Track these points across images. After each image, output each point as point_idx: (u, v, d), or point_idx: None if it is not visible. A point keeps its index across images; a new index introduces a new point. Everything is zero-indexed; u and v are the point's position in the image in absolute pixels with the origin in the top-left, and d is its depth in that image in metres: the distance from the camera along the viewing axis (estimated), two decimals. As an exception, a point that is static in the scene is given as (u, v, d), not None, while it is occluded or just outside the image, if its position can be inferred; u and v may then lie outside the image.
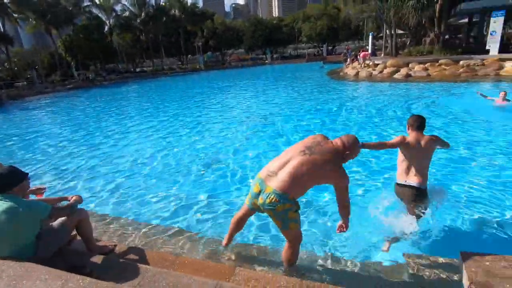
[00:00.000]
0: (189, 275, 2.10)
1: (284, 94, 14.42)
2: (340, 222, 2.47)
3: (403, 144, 2.73)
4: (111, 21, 38.50)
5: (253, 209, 2.40)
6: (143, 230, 3.44)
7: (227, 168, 5.30)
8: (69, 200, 2.61)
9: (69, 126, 10.70)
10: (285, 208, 2.11)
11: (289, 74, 25.12)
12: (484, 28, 18.70)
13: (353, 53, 24.51)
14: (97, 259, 2.35)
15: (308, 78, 21.38)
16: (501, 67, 13.83)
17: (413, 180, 2.69)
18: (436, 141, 2.77)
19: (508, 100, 7.57)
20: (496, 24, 15.43)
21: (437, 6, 17.63)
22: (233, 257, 2.77)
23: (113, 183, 5.01)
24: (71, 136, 8.93)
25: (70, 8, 32.66)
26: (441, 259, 2.55)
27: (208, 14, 48.52)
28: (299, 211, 2.26)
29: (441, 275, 2.39)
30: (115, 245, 2.83)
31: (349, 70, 20.45)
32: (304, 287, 2.10)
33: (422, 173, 2.70)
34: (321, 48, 49.60)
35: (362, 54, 20.03)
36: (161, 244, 3.14)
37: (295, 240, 2.34)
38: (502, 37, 15.99)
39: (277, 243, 2.98)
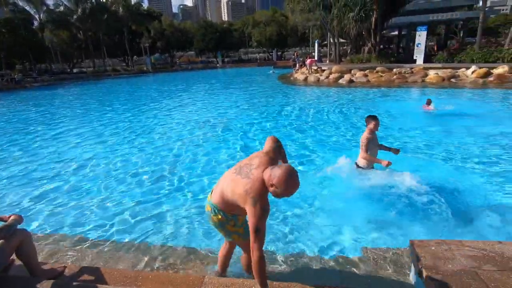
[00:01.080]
0: (156, 290, 1.98)
1: (237, 97, 14.50)
2: None
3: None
4: (41, 16, 34.42)
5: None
6: (94, 247, 3.15)
7: (174, 175, 5.12)
8: (5, 220, 2.26)
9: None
10: (219, 219, 2.08)
11: (242, 78, 25.36)
12: (411, 40, 21.35)
13: (301, 59, 25.79)
14: (46, 284, 2.08)
15: (261, 82, 21.85)
16: (426, 75, 15.88)
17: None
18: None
19: (433, 108, 8.81)
20: (421, 37, 17.71)
21: (373, 19, 19.57)
22: (198, 265, 2.69)
23: (52, 197, 4.47)
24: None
25: (-11, -1, 28.40)
26: (394, 249, 2.82)
27: (154, 14, 46.51)
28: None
29: (396, 262, 2.64)
30: (65, 267, 2.52)
31: (299, 75, 21.46)
32: (275, 287, 2.13)
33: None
34: (271, 54, 51.17)
35: (308, 60, 21.20)
36: (117, 260, 2.90)
37: (245, 249, 2.29)
38: (425, 48, 18.39)
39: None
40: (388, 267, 2.61)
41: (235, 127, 8.43)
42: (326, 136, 7.17)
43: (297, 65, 24.88)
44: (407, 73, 16.54)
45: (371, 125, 3.92)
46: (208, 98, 15.11)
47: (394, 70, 17.03)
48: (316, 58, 23.56)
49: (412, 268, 2.36)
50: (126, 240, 3.29)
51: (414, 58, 18.24)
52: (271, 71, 28.64)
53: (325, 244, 3.04)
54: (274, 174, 1.78)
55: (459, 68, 15.51)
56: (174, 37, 48.38)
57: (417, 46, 18.06)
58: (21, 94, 21.68)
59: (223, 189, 2.02)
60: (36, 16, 34.32)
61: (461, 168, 4.86)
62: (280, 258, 2.83)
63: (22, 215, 2.33)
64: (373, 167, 4.17)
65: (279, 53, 51.68)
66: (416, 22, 18.71)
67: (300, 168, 5.02)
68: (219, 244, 3.12)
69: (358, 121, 8.36)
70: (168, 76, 32.86)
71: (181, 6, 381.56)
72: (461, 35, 23.89)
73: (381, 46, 23.08)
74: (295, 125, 8.38)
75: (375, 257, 2.76)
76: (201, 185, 4.67)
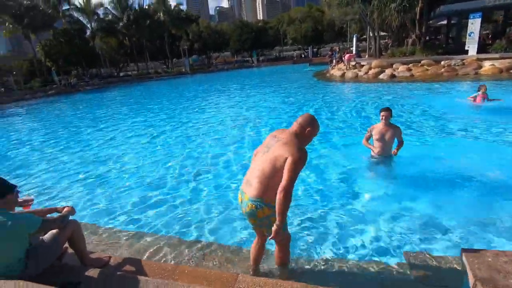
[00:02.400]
0: (192, 285, 2.03)
1: (273, 96, 14.45)
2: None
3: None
4: (93, 25, 37.60)
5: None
6: (137, 239, 3.33)
7: (218, 172, 5.22)
8: (60, 211, 2.47)
9: (49, 133, 10.31)
10: (265, 214, 2.05)
11: (277, 77, 25.25)
12: (462, 29, 19.47)
13: (338, 54, 24.91)
14: (93, 273, 2.24)
15: (296, 80, 21.55)
16: (480, 67, 14.38)
17: None
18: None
19: (489, 99, 7.77)
20: (474, 25, 16.06)
21: (418, 9, 18.20)
22: (234, 263, 2.71)
23: (101, 192, 4.83)
24: (53, 143, 8.60)
25: (49, 12, 31.58)
26: (442, 257, 2.58)
27: (193, 18, 48.27)
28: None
29: (443, 272, 2.41)
30: (110, 257, 2.70)
31: (335, 72, 20.77)
32: (309, 291, 2.07)
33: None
34: (306, 50, 50.27)
35: (347, 56, 20.38)
36: (158, 253, 3.04)
37: (284, 242, 2.31)
38: (479, 38, 16.64)
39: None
40: (434, 277, 2.39)
41: (268, 126, 8.40)
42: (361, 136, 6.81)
43: (334, 61, 24.10)
44: (458, 65, 15.12)
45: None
46: (243, 97, 15.28)
47: (442, 62, 15.67)
48: (354, 53, 22.55)
49: (465, 280, 2.13)
50: (166, 234, 3.43)
51: (466, 48, 16.58)
52: (308, 68, 28.02)
53: (361, 247, 2.88)
54: (303, 120, 2.14)
55: (522, 58, 13.79)
56: (211, 38, 49.76)
57: (469, 35, 16.39)
58: (77, 96, 23.93)
59: (261, 174, 2.03)
60: (88, 26, 37.58)
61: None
62: (319, 262, 2.73)
63: (74, 207, 2.53)
64: (382, 156, 4.45)
65: (314, 49, 50.59)
66: (468, 9, 16.99)
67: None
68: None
69: (400, 118, 7.83)
70: (205, 76, 33.88)
71: (218, 8, 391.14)
72: (524, 20, 21.21)
73: (427, 38, 21.41)
74: (329, 125, 8.11)
75: (418, 264, 2.55)
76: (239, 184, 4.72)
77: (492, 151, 5.19)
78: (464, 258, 2.11)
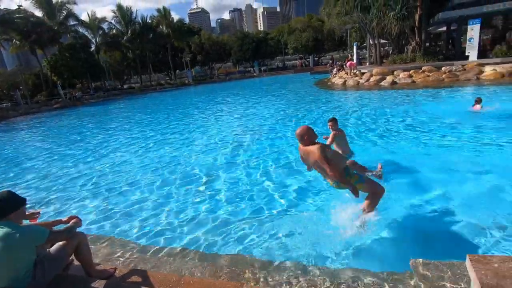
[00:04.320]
0: (197, 296, 2.03)
1: (273, 106, 14.55)
2: None
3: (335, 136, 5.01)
4: (97, 39, 38.44)
5: None
6: (142, 251, 3.34)
7: (222, 183, 5.24)
8: (65, 223, 2.51)
9: (55, 145, 10.45)
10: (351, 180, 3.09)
11: (278, 86, 25.46)
12: (462, 35, 19.58)
13: (339, 63, 25.13)
14: (99, 284, 2.25)
15: (297, 89, 21.70)
16: (481, 72, 14.40)
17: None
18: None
19: (480, 108, 7.90)
20: (473, 31, 16.17)
21: (417, 16, 18.41)
22: (239, 272, 2.70)
23: (106, 203, 4.87)
24: (58, 156, 8.70)
25: (56, 28, 32.41)
26: (447, 263, 2.55)
27: (195, 30, 49.15)
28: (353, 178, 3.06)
29: (449, 279, 2.38)
30: (115, 269, 2.71)
31: (337, 80, 20.90)
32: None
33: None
34: (307, 60, 50.72)
35: (348, 63, 20.55)
36: (163, 264, 3.03)
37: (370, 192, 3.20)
38: (479, 43, 16.73)
39: (278, 255, 2.94)
40: (440, 283, 2.36)
41: (269, 136, 8.45)
42: (365, 146, 6.82)
43: (335, 69, 24.29)
44: (459, 71, 15.16)
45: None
46: (244, 107, 15.40)
47: (443, 68, 15.72)
48: (355, 61, 22.74)
49: (472, 285, 2.10)
50: (171, 245, 3.44)
51: (466, 54, 16.66)
52: (312, 77, 28.12)
53: (367, 254, 2.87)
54: (299, 132, 3.18)
55: (523, 62, 13.80)
56: (212, 50, 50.48)
57: (469, 41, 16.49)
58: (82, 109, 24.28)
59: (321, 172, 3.20)
60: (93, 40, 38.40)
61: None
62: (317, 272, 2.72)
63: (81, 218, 2.56)
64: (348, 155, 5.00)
65: (316, 58, 51.02)
66: (467, 15, 17.13)
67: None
68: (259, 251, 3.12)
69: (397, 125, 7.84)
70: (207, 87, 34.26)
71: (219, 20, 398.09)
72: (524, 25, 21.32)
73: (427, 44, 21.56)
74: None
75: (425, 271, 2.52)
76: (238, 194, 4.73)
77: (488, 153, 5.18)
78: (469, 264, 2.09)
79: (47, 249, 2.30)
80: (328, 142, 4.93)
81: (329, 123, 5.07)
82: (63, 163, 7.76)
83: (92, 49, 38.65)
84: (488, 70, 14.28)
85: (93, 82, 40.13)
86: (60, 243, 2.32)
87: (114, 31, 40.31)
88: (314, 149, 2.97)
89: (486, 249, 2.84)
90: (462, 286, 2.31)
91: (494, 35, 22.33)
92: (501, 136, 6.08)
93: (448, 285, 2.34)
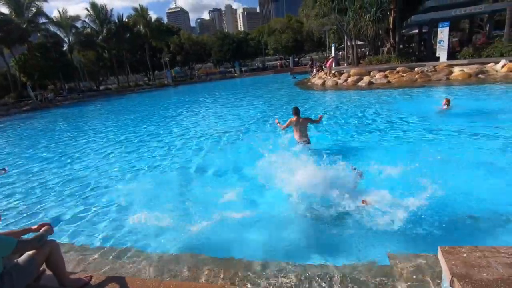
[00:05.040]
0: (177, 300, 1.99)
1: (257, 106, 14.58)
2: None
3: (292, 123, 5.98)
4: (70, 38, 36.78)
5: None
6: (119, 257, 3.23)
7: (201, 183, 5.18)
8: (35, 231, 2.38)
9: (26, 150, 9.91)
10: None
11: (259, 86, 25.54)
12: (433, 37, 20.54)
13: (318, 63, 25.58)
14: (73, 293, 2.15)
15: (278, 89, 21.87)
16: (451, 72, 15.17)
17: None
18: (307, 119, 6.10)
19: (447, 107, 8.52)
20: (443, 34, 17.01)
21: (391, 19, 19.11)
22: (220, 275, 2.68)
23: (80, 209, 4.68)
24: (27, 161, 8.25)
25: (24, 26, 30.67)
26: (422, 255, 2.66)
27: (173, 30, 48.29)
28: None
29: (424, 270, 2.49)
30: (91, 276, 2.61)
31: (316, 80, 21.26)
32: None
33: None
34: (287, 60, 51.27)
35: (329, 62, 20.79)
36: (140, 270, 2.95)
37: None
38: (448, 45, 17.61)
39: (258, 256, 2.94)
40: (417, 275, 2.46)
41: (248, 135, 8.46)
42: (342, 141, 7.00)
43: (314, 70, 24.69)
44: (430, 71, 15.89)
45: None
46: (225, 107, 15.32)
47: (416, 69, 16.42)
48: (333, 60, 23.13)
49: (443, 277, 2.21)
50: (148, 249, 3.35)
51: (437, 55, 17.49)
52: (291, 77, 28.43)
53: (345, 250, 2.94)
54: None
55: (487, 63, 14.67)
56: (192, 50, 49.82)
57: (439, 43, 17.34)
58: (54, 111, 23.15)
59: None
60: (66, 39, 36.69)
61: (487, 173, 4.55)
62: (297, 268, 2.74)
63: (52, 225, 2.44)
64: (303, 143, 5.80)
65: (296, 59, 51.66)
66: (437, 18, 17.99)
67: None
68: (239, 252, 3.11)
69: (377, 122, 8.12)
70: (187, 88, 33.77)
71: (199, 20, 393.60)
72: (488, 28, 22.67)
73: (401, 46, 22.41)
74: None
75: (401, 263, 2.62)
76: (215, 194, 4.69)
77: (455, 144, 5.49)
78: (441, 256, 2.20)
79: (15, 260, 2.17)
80: (284, 125, 6.07)
81: (293, 111, 6.05)
82: (28, 169, 7.37)
83: (65, 48, 36.94)
84: (456, 70, 15.07)
85: (67, 83, 38.38)
86: (30, 252, 2.20)
87: (89, 30, 38.72)
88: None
89: (457, 238, 2.99)
90: (435, 276, 2.42)
91: (461, 38, 23.60)
92: (466, 129, 6.52)
93: (421, 276, 2.45)
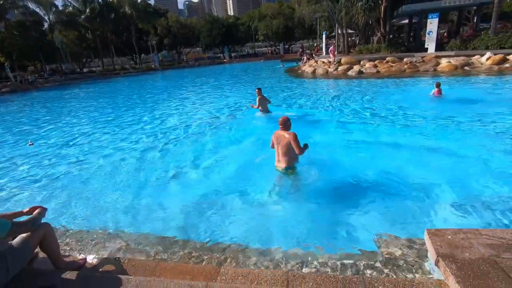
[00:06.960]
0: (175, 280, 2.03)
1: (243, 93, 14.46)
2: None
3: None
4: (51, 17, 34.94)
5: None
6: (113, 239, 3.23)
7: (190, 169, 5.18)
8: (28, 214, 2.34)
9: (9, 133, 9.55)
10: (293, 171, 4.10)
11: (250, 73, 25.26)
12: (422, 28, 20.72)
13: (308, 51, 25.44)
14: (69, 275, 2.16)
15: (268, 76, 21.70)
16: (438, 64, 15.46)
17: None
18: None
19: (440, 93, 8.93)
20: (432, 25, 17.18)
21: (382, 8, 19.09)
22: (215, 256, 2.74)
23: (70, 192, 4.60)
24: (13, 144, 7.98)
25: (1, 2, 28.84)
26: (409, 238, 2.80)
27: (161, 12, 46.66)
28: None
29: (411, 252, 2.62)
30: (85, 259, 2.61)
31: (306, 68, 21.21)
32: (290, 277, 2.16)
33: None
34: (278, 47, 50.74)
35: (331, 48, 20.09)
36: (135, 251, 2.98)
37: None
38: (437, 36, 17.84)
39: (251, 242, 3.02)
40: (404, 257, 2.59)
41: (238, 124, 8.44)
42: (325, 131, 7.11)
43: (305, 57, 24.58)
44: (418, 62, 16.13)
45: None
46: (213, 94, 15.14)
47: (405, 59, 16.63)
48: (323, 50, 23.04)
49: (429, 257, 2.34)
50: (144, 232, 3.36)
51: (426, 46, 17.73)
52: (280, 65, 28.18)
53: (334, 235, 3.04)
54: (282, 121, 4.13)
55: (473, 56, 15.02)
56: (180, 33, 48.48)
57: (428, 34, 17.54)
58: (35, 94, 22.24)
59: (283, 152, 3.92)
60: (46, 18, 34.84)
61: (476, 157, 4.75)
62: (300, 253, 2.82)
63: (45, 207, 2.40)
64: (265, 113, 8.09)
65: (286, 46, 51.17)
66: (427, 9, 18.11)
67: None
68: (233, 236, 3.16)
69: (365, 111, 8.26)
70: (175, 72, 33.03)
71: (187, 2, 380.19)
72: (475, 21, 23.06)
73: (391, 36, 22.53)
74: (303, 119, 8.34)
75: (389, 246, 2.75)
76: (213, 179, 4.72)
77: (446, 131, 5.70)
78: (427, 238, 2.32)
79: (9, 243, 2.14)
80: (257, 104, 7.99)
81: (256, 91, 8.02)
82: (10, 152, 7.14)
83: (45, 27, 35.13)
84: (444, 62, 15.37)
85: (48, 64, 36.74)
86: (24, 235, 2.17)
87: (71, 8, 36.89)
88: (291, 133, 3.86)
89: (442, 222, 3.14)
90: (422, 257, 2.56)
91: (450, 29, 23.90)
92: (455, 116, 6.79)
93: (410, 259, 2.58)
